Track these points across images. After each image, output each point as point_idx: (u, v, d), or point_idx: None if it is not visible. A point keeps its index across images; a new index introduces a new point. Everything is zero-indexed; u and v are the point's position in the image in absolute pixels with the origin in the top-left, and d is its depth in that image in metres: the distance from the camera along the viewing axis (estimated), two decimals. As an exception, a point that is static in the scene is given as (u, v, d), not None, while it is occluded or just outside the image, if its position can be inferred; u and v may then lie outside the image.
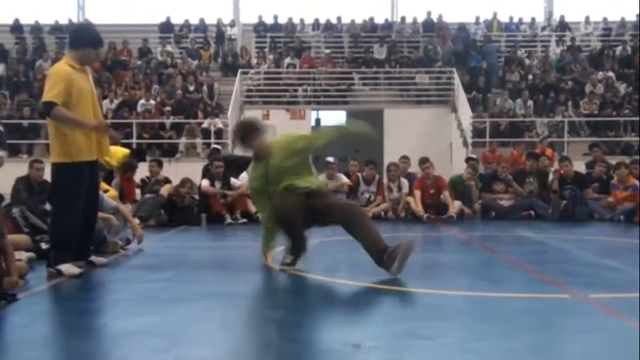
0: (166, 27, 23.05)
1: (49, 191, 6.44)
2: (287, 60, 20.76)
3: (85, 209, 5.51)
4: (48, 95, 5.31)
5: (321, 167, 9.94)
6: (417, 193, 10.74)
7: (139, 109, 17.58)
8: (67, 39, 6.17)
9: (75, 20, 23.94)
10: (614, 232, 9.25)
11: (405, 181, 11.20)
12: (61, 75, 5.37)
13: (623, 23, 22.83)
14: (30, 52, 21.85)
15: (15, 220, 6.48)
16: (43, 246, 6.10)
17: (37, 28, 23.21)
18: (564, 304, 4.36)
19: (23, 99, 18.39)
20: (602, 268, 5.87)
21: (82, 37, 5.67)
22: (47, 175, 9.93)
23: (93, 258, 5.83)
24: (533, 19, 23.33)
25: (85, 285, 5.15)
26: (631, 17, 22.88)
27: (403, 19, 23.38)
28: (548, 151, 13.95)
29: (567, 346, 3.36)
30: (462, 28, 22.29)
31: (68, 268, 5.31)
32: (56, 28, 23.27)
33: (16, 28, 23.33)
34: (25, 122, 17.33)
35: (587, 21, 22.97)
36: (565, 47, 21.26)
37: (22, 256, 5.53)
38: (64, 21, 23.45)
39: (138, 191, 10.81)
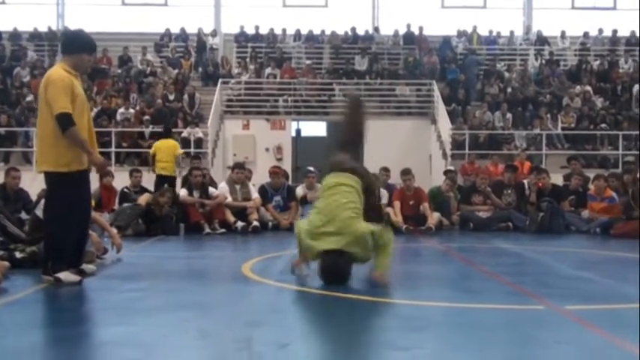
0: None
1: (38, 200, 6.35)
2: (268, 70, 20.75)
3: (77, 217, 5.47)
4: (63, 105, 5.19)
5: (301, 177, 9.91)
6: (397, 204, 10.75)
7: (118, 117, 17.46)
8: (60, 45, 6.05)
9: (54, 28, 23.75)
10: (591, 244, 9.33)
11: (384, 192, 11.19)
12: (65, 82, 5.30)
13: (600, 38, 23.15)
14: (8, 59, 21.64)
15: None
16: (17, 255, 6.03)
17: (15, 35, 23.01)
18: (540, 315, 4.38)
19: (-1, 107, 18.19)
20: (578, 280, 5.93)
21: (76, 43, 5.60)
22: (23, 184, 9.91)
23: (83, 266, 5.78)
24: (512, 33, 23.57)
25: (61, 295, 5.09)
26: (607, 33, 23.21)
27: (376, 29, 23.62)
28: (526, 164, 14.08)
29: (543, 358, 3.38)
30: (445, 41, 22.44)
31: (67, 276, 5.29)
32: (35, 36, 23.06)
33: (-6, 34, 23.13)
34: (2, 130, 17.11)
35: (562, 35, 23.25)
36: (543, 61, 21.49)
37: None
38: (43, 28, 23.27)
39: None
